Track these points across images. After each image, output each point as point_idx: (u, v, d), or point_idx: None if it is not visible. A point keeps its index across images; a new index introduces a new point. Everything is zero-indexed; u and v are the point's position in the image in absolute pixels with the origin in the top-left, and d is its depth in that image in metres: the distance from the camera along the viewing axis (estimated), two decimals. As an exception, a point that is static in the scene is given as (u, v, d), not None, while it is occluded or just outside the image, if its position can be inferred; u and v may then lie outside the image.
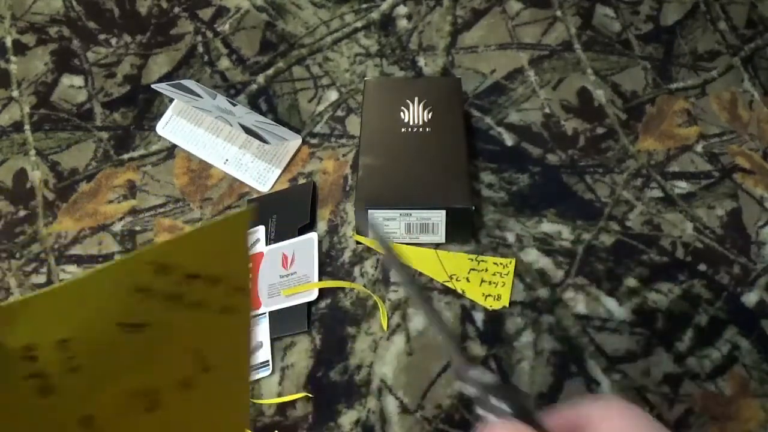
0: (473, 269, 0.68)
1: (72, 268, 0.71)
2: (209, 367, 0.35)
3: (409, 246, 0.69)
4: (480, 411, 0.29)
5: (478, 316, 0.65)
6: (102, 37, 0.87)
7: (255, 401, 0.62)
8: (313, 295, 0.66)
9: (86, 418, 0.33)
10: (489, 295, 0.66)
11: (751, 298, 0.66)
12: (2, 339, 0.28)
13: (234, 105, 0.78)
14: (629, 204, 0.72)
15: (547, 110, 0.78)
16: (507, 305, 0.66)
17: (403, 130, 0.72)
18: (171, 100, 0.80)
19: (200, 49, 0.85)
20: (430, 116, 0.73)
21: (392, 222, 0.68)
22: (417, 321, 0.66)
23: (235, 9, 0.88)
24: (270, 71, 0.83)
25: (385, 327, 0.65)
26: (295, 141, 0.77)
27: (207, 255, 0.36)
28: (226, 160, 0.76)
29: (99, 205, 0.74)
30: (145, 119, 0.80)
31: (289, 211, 0.72)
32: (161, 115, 0.80)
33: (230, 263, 0.37)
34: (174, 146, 0.78)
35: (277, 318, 0.66)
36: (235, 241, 0.37)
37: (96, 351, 0.30)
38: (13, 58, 0.86)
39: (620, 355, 0.63)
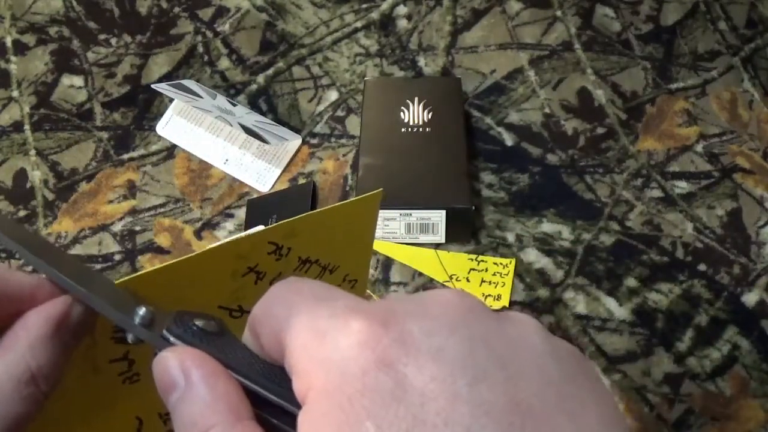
0: (473, 269, 0.68)
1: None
2: None
3: (409, 246, 0.69)
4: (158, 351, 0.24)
5: (478, 316, 0.65)
6: (102, 37, 0.87)
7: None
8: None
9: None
10: (489, 295, 0.66)
11: (751, 298, 0.66)
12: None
13: (234, 105, 0.78)
14: (629, 204, 0.72)
15: (547, 110, 0.78)
16: (507, 305, 0.66)
17: (403, 130, 0.72)
18: (171, 100, 0.80)
19: (200, 49, 0.85)
20: (430, 116, 0.73)
21: (392, 222, 0.68)
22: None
23: (235, 9, 0.88)
24: (270, 71, 0.83)
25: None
26: (295, 141, 0.77)
27: (327, 240, 0.33)
28: (226, 160, 0.76)
29: (99, 205, 0.74)
30: (145, 119, 0.80)
31: (289, 211, 0.72)
32: (161, 115, 0.80)
33: (350, 251, 0.35)
34: (174, 146, 0.78)
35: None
36: (359, 229, 0.35)
37: None
38: (13, 58, 0.86)
39: (620, 355, 0.63)
